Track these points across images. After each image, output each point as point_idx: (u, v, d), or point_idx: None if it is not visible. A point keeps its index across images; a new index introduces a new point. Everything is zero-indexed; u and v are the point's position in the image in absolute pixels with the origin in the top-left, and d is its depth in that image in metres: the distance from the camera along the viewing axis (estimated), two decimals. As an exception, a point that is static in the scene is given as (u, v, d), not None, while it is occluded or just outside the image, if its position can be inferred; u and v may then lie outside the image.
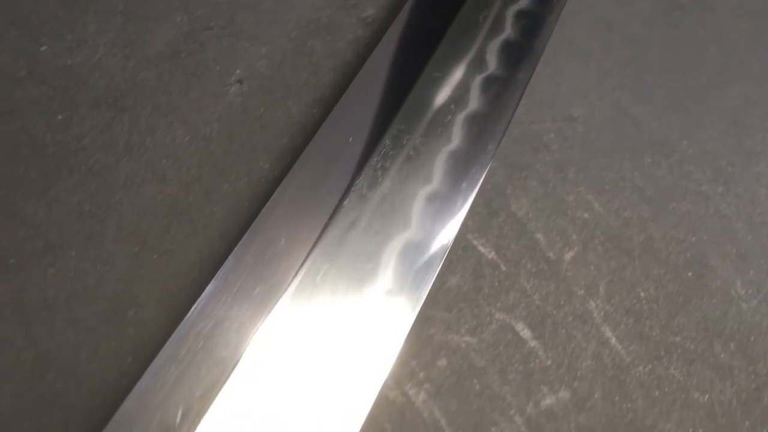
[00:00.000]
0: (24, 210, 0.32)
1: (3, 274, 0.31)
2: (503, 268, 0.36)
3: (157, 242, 0.33)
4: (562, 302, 0.36)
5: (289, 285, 0.30)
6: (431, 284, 0.32)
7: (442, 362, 0.33)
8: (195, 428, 0.26)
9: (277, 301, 0.30)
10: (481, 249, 0.37)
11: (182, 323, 0.28)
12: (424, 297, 0.32)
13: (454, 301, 0.35)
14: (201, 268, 0.33)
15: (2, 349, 0.30)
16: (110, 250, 0.32)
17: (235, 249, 0.30)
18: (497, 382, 0.33)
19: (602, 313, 0.36)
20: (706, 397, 0.35)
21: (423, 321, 0.34)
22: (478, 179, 0.36)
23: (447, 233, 0.34)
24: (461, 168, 0.36)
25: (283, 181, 0.32)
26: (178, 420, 0.26)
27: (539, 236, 0.38)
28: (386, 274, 0.32)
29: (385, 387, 0.32)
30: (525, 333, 0.35)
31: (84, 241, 0.32)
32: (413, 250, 0.33)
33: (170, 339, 0.28)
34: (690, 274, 0.38)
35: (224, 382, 0.27)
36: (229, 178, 0.35)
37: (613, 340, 0.35)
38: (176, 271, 0.32)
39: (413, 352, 0.33)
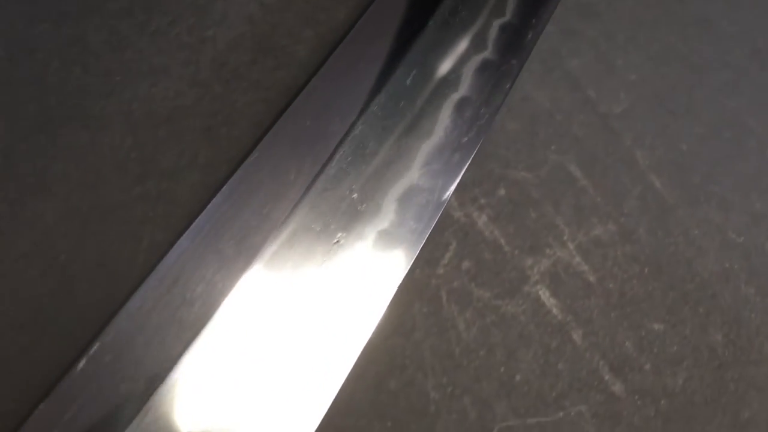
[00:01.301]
0: (129, 38, 0.36)
1: (111, 90, 0.34)
2: (557, 118, 0.39)
3: (245, 72, 0.36)
4: (611, 150, 0.39)
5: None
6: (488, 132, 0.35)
7: (501, 192, 0.37)
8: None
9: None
10: (538, 99, 0.39)
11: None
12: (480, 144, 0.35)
13: (513, 142, 0.38)
14: (285, 96, 0.36)
15: (114, 152, 0.33)
16: (204, 76, 0.35)
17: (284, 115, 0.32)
18: (551, 213, 0.37)
19: (647, 162, 0.39)
20: (742, 239, 0.38)
21: (484, 156, 0.37)
22: (533, 45, 0.39)
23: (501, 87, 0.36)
24: (515, 36, 0.39)
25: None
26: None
27: (591, 92, 0.40)
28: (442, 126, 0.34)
29: (450, 207, 0.35)
30: (577, 173, 0.38)
31: (182, 67, 0.35)
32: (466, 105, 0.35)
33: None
34: (729, 134, 0.41)
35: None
36: (311, 24, 0.38)
37: (657, 184, 0.38)
38: (263, 98, 0.35)
39: (476, 180, 0.36)
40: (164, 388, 0.26)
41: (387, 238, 0.30)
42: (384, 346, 0.32)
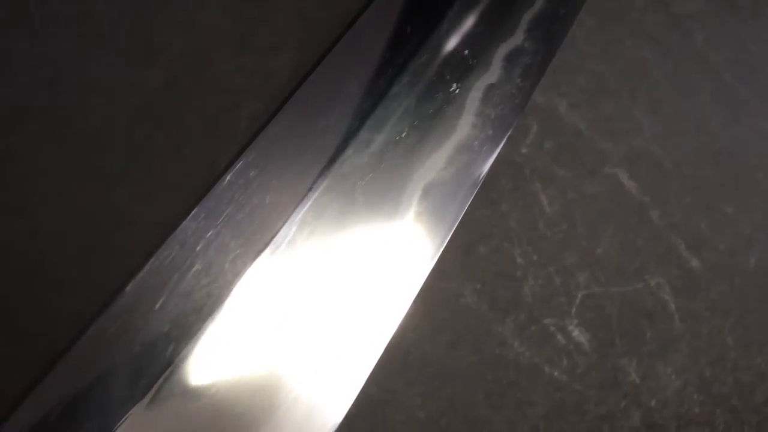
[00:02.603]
0: None
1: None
2: (632, 16, 0.40)
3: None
4: (683, 48, 0.40)
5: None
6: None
7: (581, 81, 0.38)
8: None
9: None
10: (613, -3, 0.40)
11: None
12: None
13: (590, 37, 0.39)
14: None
15: (210, 30, 0.34)
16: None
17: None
18: (628, 103, 0.38)
19: (719, 60, 0.40)
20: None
21: (563, 49, 0.38)
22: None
23: None
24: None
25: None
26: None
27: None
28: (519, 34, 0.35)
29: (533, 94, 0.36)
30: (651, 67, 0.39)
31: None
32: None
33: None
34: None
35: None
36: None
37: (729, 80, 0.39)
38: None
39: (556, 69, 0.37)
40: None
41: (496, 92, 0.30)
42: (472, 216, 0.33)
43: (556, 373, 0.31)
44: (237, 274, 0.25)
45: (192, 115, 0.32)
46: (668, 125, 0.38)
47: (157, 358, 0.24)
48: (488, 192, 0.34)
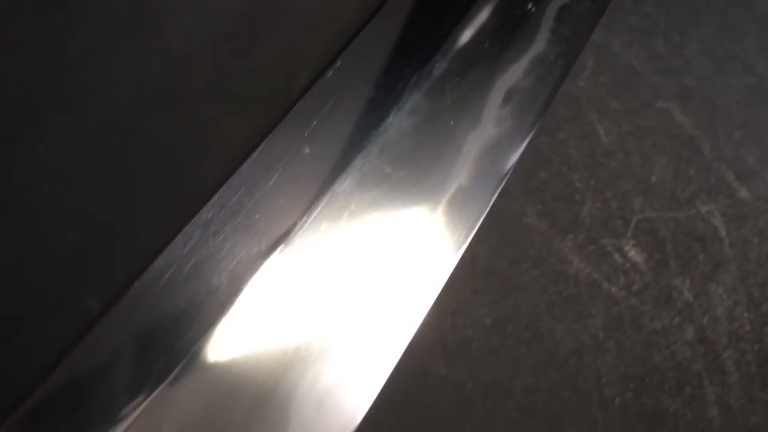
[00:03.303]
0: None
1: None
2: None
3: None
4: (731, -6, 0.41)
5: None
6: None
7: (632, 21, 0.39)
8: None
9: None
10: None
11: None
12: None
13: (641, -20, 0.40)
14: None
15: None
16: None
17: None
18: (678, 43, 0.39)
19: (764, 8, 0.41)
20: None
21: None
22: None
23: None
24: None
25: None
26: None
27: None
28: None
29: (589, 30, 0.38)
30: (699, 9, 0.40)
31: None
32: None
33: None
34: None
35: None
36: None
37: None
38: None
39: (610, 9, 0.39)
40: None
41: (568, 12, 0.32)
42: (533, 143, 0.35)
43: (613, 289, 0.33)
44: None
45: (269, 40, 0.34)
46: (717, 65, 0.39)
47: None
48: (548, 121, 0.35)
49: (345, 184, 0.25)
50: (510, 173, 0.30)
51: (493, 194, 0.27)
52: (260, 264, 0.25)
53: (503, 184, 0.28)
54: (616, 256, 0.34)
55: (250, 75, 0.33)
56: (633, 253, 0.34)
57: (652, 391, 0.31)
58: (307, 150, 0.25)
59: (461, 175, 0.27)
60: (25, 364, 0.26)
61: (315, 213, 0.26)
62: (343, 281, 0.26)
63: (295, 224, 0.25)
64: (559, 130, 0.35)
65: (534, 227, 0.33)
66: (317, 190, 0.27)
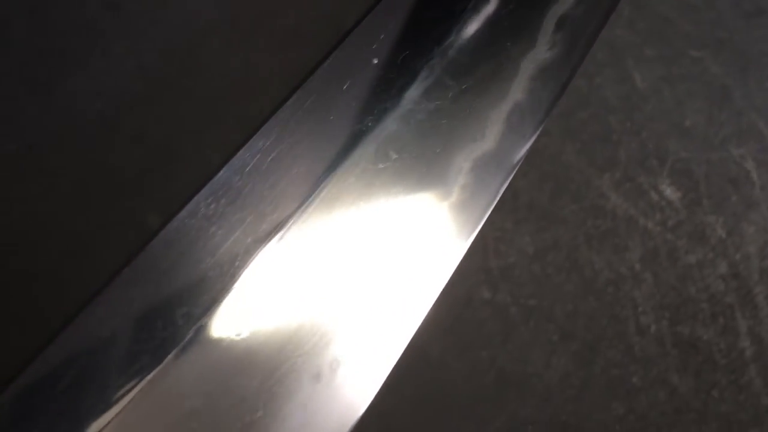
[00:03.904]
0: None
1: None
2: None
3: None
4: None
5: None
6: None
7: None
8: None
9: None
10: None
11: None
12: None
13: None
14: None
15: None
16: None
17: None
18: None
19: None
20: None
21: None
22: None
23: None
24: None
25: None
26: None
27: None
28: None
29: None
30: (733, -33, 0.41)
31: None
32: None
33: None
34: None
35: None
36: None
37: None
38: None
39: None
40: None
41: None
42: (571, 86, 0.36)
43: (649, 225, 0.34)
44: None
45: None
46: (749, 19, 0.40)
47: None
48: (586, 66, 0.37)
49: (413, 93, 0.26)
50: (560, 97, 0.31)
51: (547, 113, 0.28)
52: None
53: (555, 106, 0.29)
54: (652, 194, 0.35)
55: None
56: (668, 192, 0.35)
57: (686, 321, 0.32)
58: (375, 61, 0.26)
59: (518, 91, 0.28)
60: (83, 277, 0.27)
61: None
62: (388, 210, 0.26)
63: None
64: (597, 75, 0.37)
65: (573, 164, 0.35)
66: (388, 95, 0.28)
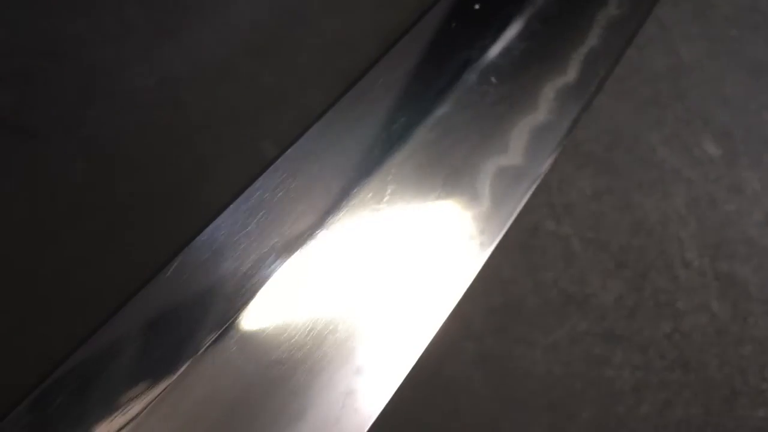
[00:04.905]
0: None
1: None
2: None
3: None
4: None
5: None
6: None
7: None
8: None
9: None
10: None
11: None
12: None
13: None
14: None
15: None
16: None
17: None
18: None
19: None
20: None
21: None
22: None
23: None
24: None
25: None
26: None
27: None
28: None
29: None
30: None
31: None
32: None
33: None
34: None
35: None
36: None
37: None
38: None
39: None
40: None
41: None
42: (622, 58, 0.41)
43: (693, 176, 0.39)
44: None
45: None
46: (783, 5, 0.45)
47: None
48: (636, 39, 0.41)
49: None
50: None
51: (618, 56, 0.33)
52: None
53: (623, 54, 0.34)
54: (696, 150, 0.39)
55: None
56: (710, 149, 0.39)
57: (725, 259, 0.37)
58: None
59: (593, 38, 0.33)
60: (200, 201, 0.32)
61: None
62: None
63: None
64: (647, 47, 0.42)
65: (626, 122, 0.39)
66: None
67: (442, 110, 0.32)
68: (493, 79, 0.31)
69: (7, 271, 0.29)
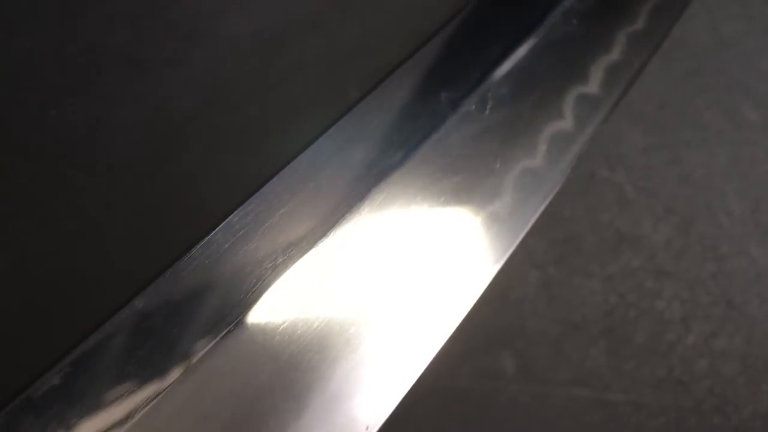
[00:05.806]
0: None
1: None
2: None
3: None
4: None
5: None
6: None
7: None
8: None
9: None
10: None
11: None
12: None
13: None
14: None
15: None
16: None
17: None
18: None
19: None
20: None
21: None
22: None
23: None
24: None
25: None
26: None
27: None
28: None
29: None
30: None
31: None
32: None
33: None
34: None
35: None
36: None
37: None
38: None
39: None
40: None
41: None
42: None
43: (735, 137, 0.42)
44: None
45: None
46: (815, -7, 0.49)
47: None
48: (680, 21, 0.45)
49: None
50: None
51: (665, 34, 0.37)
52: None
53: (670, 32, 0.38)
54: (736, 115, 0.43)
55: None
56: (751, 114, 0.43)
57: (765, 210, 0.40)
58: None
59: (641, 18, 0.37)
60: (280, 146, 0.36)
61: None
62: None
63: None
64: (690, 24, 0.45)
65: (674, 88, 0.43)
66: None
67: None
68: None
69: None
